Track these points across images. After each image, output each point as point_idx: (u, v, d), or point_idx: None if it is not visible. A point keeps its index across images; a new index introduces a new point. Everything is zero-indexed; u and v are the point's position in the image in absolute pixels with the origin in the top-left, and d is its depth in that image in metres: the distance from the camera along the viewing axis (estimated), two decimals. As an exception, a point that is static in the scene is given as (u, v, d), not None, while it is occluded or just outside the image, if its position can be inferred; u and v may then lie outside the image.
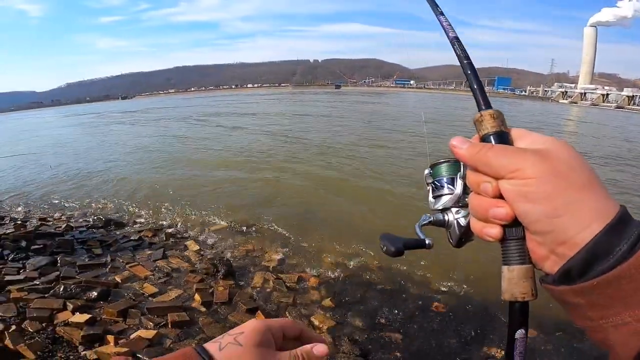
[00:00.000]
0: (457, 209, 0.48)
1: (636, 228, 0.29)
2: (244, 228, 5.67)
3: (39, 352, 2.59)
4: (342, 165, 9.85)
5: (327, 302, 3.78)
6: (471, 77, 0.42)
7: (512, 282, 0.35)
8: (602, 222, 0.30)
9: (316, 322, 3.44)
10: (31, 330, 2.82)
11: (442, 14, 0.49)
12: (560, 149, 0.33)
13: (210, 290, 3.75)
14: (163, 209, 6.52)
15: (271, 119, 22.41)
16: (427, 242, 0.49)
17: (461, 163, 0.48)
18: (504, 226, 0.35)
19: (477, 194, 0.37)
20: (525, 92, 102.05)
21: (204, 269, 4.14)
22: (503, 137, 0.37)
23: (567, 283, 0.31)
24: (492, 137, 0.37)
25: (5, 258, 4.08)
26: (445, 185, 0.50)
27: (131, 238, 4.97)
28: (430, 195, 0.52)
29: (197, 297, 3.59)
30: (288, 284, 4.09)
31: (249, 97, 62.18)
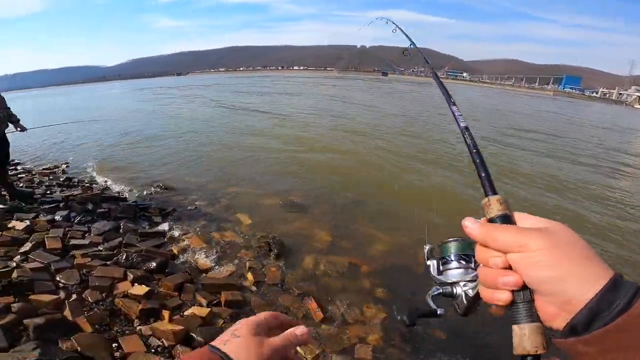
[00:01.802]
0: (465, 282, 0.54)
1: (631, 287, 0.35)
2: (296, 206, 5.56)
3: (96, 325, 2.54)
4: (407, 160, 9.14)
5: (378, 292, 3.65)
6: (480, 166, 0.49)
7: (524, 338, 0.39)
8: (601, 284, 0.35)
9: (368, 313, 3.29)
10: (91, 301, 2.82)
11: (454, 104, 0.60)
12: (559, 229, 0.39)
13: (262, 270, 3.66)
14: (218, 180, 6.59)
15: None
16: (438, 312, 0.57)
17: (470, 242, 0.56)
18: (512, 291, 0.40)
19: (487, 266, 0.42)
20: (597, 93, 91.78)
21: (257, 247, 4.06)
22: (507, 219, 0.43)
23: (573, 335, 0.36)
24: (498, 219, 0.43)
25: (72, 220, 4.20)
26: (455, 261, 0.56)
27: (188, 207, 5.03)
28: (436, 269, 0.58)
29: (249, 276, 3.51)
30: (339, 269, 3.96)
31: (291, 80, 61.86)
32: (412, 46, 1.01)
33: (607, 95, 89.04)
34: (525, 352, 0.39)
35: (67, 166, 7.63)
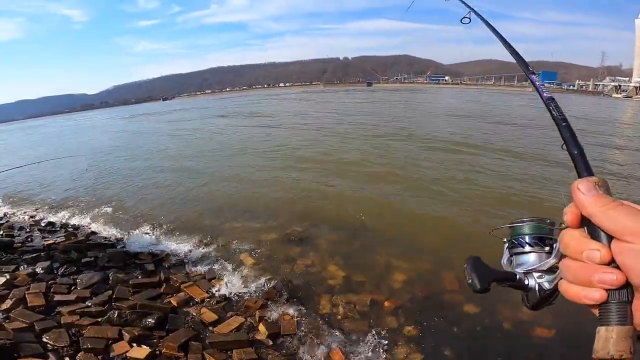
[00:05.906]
0: (540, 273, 0.47)
1: None
2: (299, 238, 5.15)
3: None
4: (405, 176, 8.55)
5: (409, 329, 3.29)
6: (570, 141, 0.42)
7: (609, 341, 0.33)
8: None
9: (399, 355, 2.96)
10: (85, 366, 2.43)
11: (533, 73, 0.55)
12: None
13: (275, 319, 3.25)
14: (210, 216, 6.18)
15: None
16: (518, 277, 0.48)
17: (545, 225, 0.48)
18: (608, 290, 0.33)
19: (578, 259, 0.35)
20: (574, 86, 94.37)
21: (265, 292, 3.65)
22: None
23: None
24: None
25: (56, 272, 3.78)
26: (527, 245, 0.48)
27: (183, 251, 4.58)
28: (507, 254, 0.51)
29: (261, 327, 3.11)
30: (360, 309, 3.58)
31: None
32: (470, 13, 0.93)
33: (584, 87, 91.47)
34: (609, 357, 0.33)
35: (49, 208, 7.12)
